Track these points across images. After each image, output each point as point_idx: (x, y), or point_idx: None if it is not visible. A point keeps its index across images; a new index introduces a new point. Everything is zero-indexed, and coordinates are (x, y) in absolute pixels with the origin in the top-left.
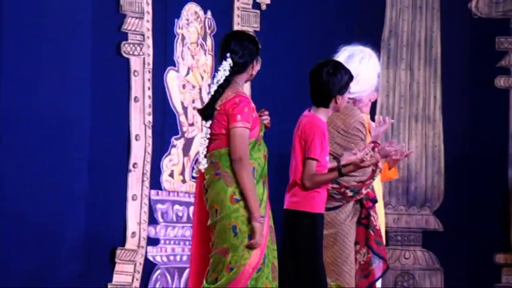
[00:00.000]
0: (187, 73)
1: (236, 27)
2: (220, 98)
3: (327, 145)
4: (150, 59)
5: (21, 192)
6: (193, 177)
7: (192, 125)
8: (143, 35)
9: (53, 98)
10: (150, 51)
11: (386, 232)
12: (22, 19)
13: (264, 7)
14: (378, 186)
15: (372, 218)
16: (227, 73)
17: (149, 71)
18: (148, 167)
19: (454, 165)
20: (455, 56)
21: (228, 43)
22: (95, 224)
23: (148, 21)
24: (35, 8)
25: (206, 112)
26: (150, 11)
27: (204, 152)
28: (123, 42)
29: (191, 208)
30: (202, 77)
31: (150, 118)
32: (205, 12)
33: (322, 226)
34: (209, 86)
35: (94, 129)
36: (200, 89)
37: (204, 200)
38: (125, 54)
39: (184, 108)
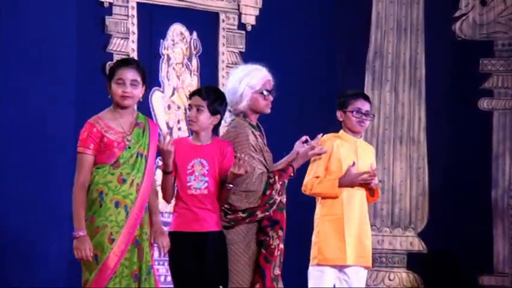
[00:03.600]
0: (173, 94)
1: (221, 48)
2: None
3: None
4: None
5: (5, 211)
6: None
7: None
8: (128, 56)
9: (38, 118)
10: None
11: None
12: (7, 40)
13: (249, 28)
14: (363, 207)
15: (269, 237)
16: None
17: None
18: None
19: (438, 186)
20: (440, 77)
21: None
22: None
23: (133, 41)
24: (19, 29)
25: None
26: (136, 31)
27: None
28: (109, 62)
29: None
30: (187, 98)
31: None
32: (190, 33)
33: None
34: None
35: None
36: (185, 110)
37: None
38: None
39: (170, 129)
